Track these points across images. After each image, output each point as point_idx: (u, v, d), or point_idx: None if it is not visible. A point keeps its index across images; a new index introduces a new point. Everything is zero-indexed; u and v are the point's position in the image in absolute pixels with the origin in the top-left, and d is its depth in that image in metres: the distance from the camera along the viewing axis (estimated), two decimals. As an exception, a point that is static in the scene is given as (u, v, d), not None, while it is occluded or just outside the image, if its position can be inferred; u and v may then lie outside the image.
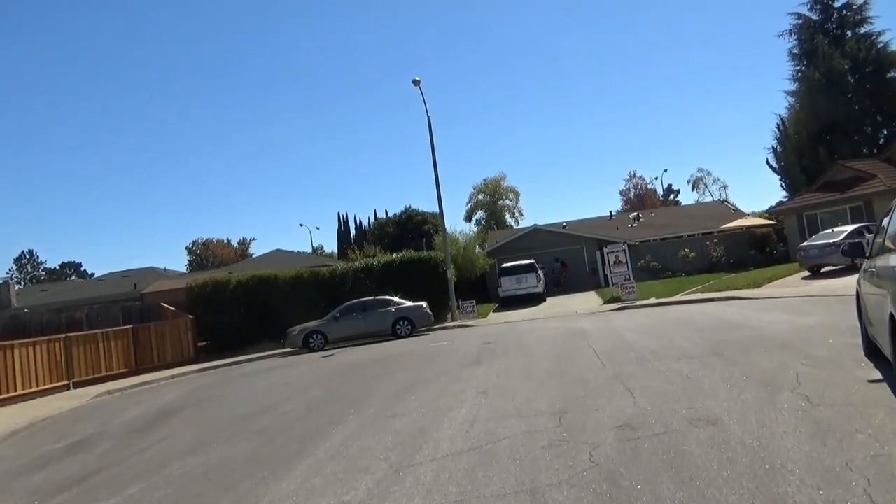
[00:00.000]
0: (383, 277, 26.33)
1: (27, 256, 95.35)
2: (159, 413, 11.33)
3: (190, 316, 23.23)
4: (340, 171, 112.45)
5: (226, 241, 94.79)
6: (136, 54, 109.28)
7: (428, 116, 27.16)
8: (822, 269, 22.64)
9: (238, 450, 7.17)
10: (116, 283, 44.78)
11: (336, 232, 70.10)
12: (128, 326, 21.23)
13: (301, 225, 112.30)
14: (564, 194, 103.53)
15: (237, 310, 24.34)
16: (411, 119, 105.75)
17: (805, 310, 13.36)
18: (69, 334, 19.00)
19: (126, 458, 7.72)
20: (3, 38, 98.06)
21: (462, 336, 18.74)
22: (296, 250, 76.27)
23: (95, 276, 71.10)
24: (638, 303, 22.74)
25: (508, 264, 30.39)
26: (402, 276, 26.23)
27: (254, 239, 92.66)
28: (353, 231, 68.28)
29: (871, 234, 20.75)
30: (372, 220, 54.87)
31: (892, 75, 38.52)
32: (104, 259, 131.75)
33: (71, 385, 18.32)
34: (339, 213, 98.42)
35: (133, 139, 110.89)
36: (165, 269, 46.79)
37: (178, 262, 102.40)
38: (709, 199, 62.41)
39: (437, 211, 29.07)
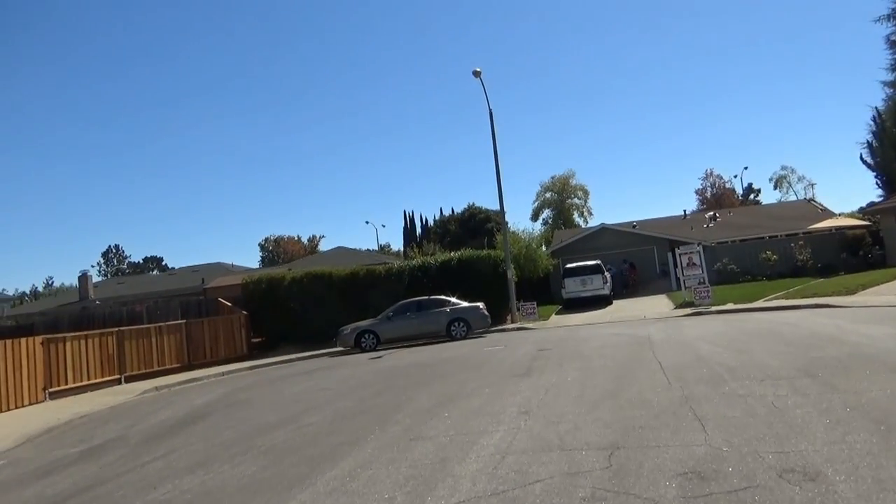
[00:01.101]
0: (441, 276, 25.36)
1: (113, 251, 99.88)
2: (185, 418, 10.72)
3: (244, 312, 22.94)
4: (407, 169, 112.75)
5: (296, 238, 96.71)
6: (217, 55, 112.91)
7: (490, 109, 26.04)
8: (929, 276, 20.18)
9: (238, 471, 6.30)
10: (186, 277, 45.79)
11: (402, 230, 70.02)
12: (181, 321, 21.07)
13: (367, 222, 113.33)
14: (636, 193, 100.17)
15: (291, 307, 23.91)
16: (477, 114, 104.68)
17: (914, 323, 11.51)
18: (121, 328, 18.95)
19: (125, 473, 7.00)
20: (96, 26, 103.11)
21: (518, 340, 17.53)
22: (360, 248, 76.79)
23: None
24: (713, 308, 20.89)
25: (573, 265, 28.87)
26: (461, 276, 25.19)
27: (323, 236, 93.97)
28: (418, 229, 67.95)
29: None
30: (437, 217, 53.99)
31: None
32: (184, 254, 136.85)
33: (122, 379, 18.22)
34: (404, 211, 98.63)
35: (213, 140, 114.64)
36: (232, 265, 47.50)
37: (252, 259, 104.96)
38: (793, 198, 58.52)
39: (504, 209, 27.92)
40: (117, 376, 18.13)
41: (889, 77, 37.58)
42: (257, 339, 23.94)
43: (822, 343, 10.00)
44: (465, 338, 20.62)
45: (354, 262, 32.79)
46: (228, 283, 33.60)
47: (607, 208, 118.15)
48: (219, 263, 47.82)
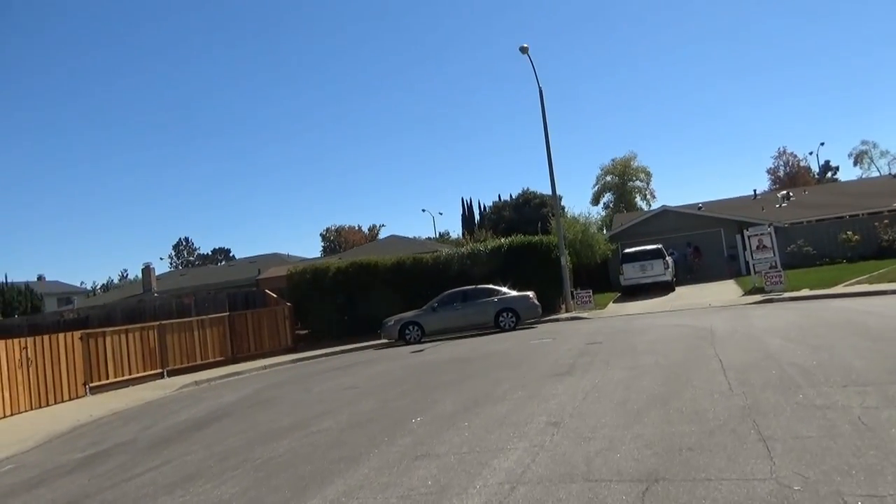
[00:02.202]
0: (491, 264, 24.27)
1: (184, 243, 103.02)
2: (202, 419, 10.15)
3: (288, 304, 22.54)
4: (465, 156, 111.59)
5: (357, 228, 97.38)
6: (273, 44, 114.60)
7: (539, 87, 24.69)
8: None
9: (218, 493, 5.53)
10: (244, 268, 46.25)
11: (460, 217, 69.12)
12: (224, 314, 20.82)
13: (423, 210, 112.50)
14: (702, 175, 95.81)
15: (336, 298, 23.38)
16: (532, 96, 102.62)
17: None
18: (163, 322, 18.79)
19: (108, 488, 6.38)
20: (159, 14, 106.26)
21: (569, 332, 16.36)
22: (419, 236, 76.31)
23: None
24: (786, 295, 19.09)
25: (631, 249, 27.24)
26: (512, 263, 24.04)
27: (383, 225, 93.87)
28: (476, 216, 66.91)
29: None
30: (492, 204, 52.82)
31: None
32: (251, 245, 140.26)
33: (165, 373, 18.07)
34: (462, 199, 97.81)
35: (279, 133, 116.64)
36: (288, 255, 47.64)
37: (314, 249, 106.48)
38: (875, 174, 54.42)
39: (556, 192, 26.54)
40: (159, 370, 17.99)
41: None
42: (303, 332, 23.56)
43: (919, 337, 8.51)
44: (513, 329, 19.57)
45: (408, 251, 32.06)
46: (280, 273, 33.46)
47: (671, 191, 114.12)
48: (275, 254, 48.09)
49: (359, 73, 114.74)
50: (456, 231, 76.62)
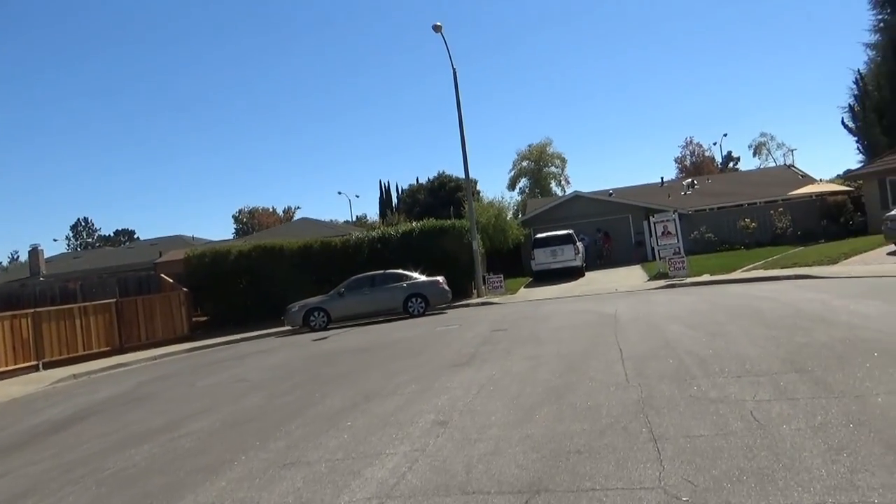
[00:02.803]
0: (402, 249, 23.73)
1: (83, 224, 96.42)
2: (64, 420, 9.09)
3: (185, 289, 21.15)
4: (384, 139, 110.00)
5: (271, 210, 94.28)
6: (192, 28, 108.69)
7: (453, 68, 24.18)
8: (914, 244, 18.95)
9: (44, 516, 4.72)
10: (144, 251, 43.65)
11: (378, 200, 67.98)
12: (110, 300, 19.27)
13: (339, 193, 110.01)
14: (615, 162, 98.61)
15: (239, 283, 22.19)
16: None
17: (909, 297, 10.15)
18: (38, 309, 17.13)
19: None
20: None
21: (476, 318, 16.06)
22: (337, 219, 74.58)
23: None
24: (688, 280, 19.57)
25: (543, 235, 27.34)
26: (424, 248, 23.59)
27: (298, 207, 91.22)
28: (395, 199, 65.98)
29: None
30: (406, 187, 52.08)
31: None
32: (158, 227, 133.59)
33: (41, 366, 16.48)
34: (380, 181, 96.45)
35: (191, 112, 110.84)
36: (193, 237, 45.32)
37: (226, 231, 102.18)
38: (772, 165, 57.45)
39: (472, 176, 26.30)
40: (34, 363, 16.38)
41: (872, 38, 36.35)
42: (202, 319, 22.26)
43: (809, 324, 8.58)
44: (423, 314, 19.13)
45: (320, 234, 30.93)
46: (181, 257, 31.66)
47: (586, 177, 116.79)
48: (179, 236, 45.67)
49: (275, 54, 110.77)
50: (374, 214, 75.62)
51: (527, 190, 63.48)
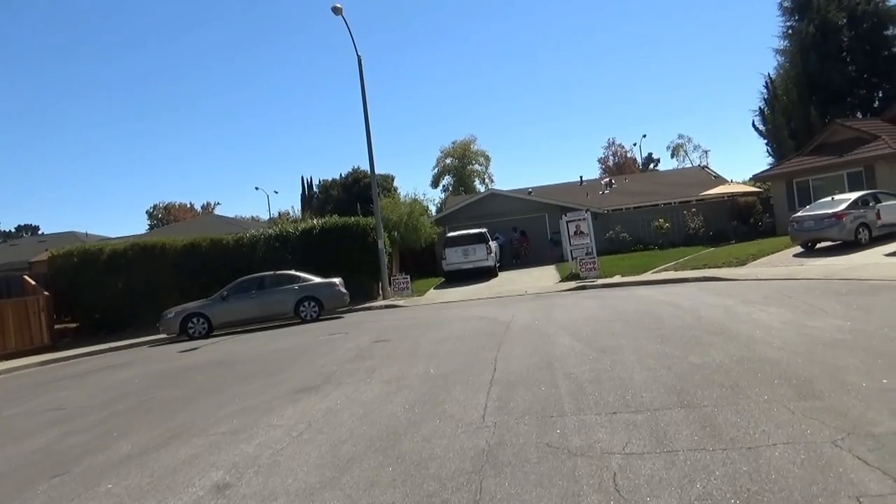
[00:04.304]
0: (303, 248, 22.02)
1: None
2: None
3: (45, 293, 18.71)
4: (305, 133, 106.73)
5: (188, 206, 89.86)
6: (100, 21, 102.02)
7: (358, 55, 22.59)
8: (818, 246, 18.82)
9: None
10: (30, 248, 39.96)
11: (300, 196, 65.48)
12: (-52, 306, 16.75)
13: (257, 188, 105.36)
14: (540, 162, 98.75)
15: (114, 286, 19.89)
16: (373, 74, 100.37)
17: (813, 304, 9.39)
18: None
19: None
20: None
21: (369, 324, 14.62)
22: (259, 216, 71.37)
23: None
24: (599, 282, 18.77)
25: (455, 233, 26.11)
26: (327, 247, 21.97)
27: (218, 203, 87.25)
28: (316, 195, 63.64)
29: (881, 204, 17.04)
30: (324, 182, 49.91)
31: (891, 32, 34.56)
32: (64, 223, 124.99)
33: None
34: (302, 177, 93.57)
35: (105, 105, 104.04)
36: (87, 234, 41.80)
37: (140, 227, 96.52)
38: (689, 166, 58.55)
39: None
40: None
41: (781, 45, 37.10)
42: (71, 326, 19.86)
43: (708, 337, 7.59)
44: (316, 319, 17.53)
45: (226, 231, 28.68)
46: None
47: (511, 176, 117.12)
48: (71, 232, 42.00)
49: (204, 44, 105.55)
50: (298, 211, 72.88)
51: (450, 188, 62.43)
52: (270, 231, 22.73)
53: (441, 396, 6.17)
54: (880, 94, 34.58)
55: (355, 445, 4.89)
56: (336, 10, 20.46)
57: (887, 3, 34.09)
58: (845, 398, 4.68)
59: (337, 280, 18.38)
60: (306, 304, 17.66)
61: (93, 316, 19.96)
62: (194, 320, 17.15)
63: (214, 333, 17.37)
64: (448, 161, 64.07)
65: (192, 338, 16.93)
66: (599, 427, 4.60)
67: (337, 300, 18.11)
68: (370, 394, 6.72)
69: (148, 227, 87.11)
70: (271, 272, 18.49)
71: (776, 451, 3.79)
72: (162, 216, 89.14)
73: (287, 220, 52.01)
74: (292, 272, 18.44)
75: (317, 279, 18.21)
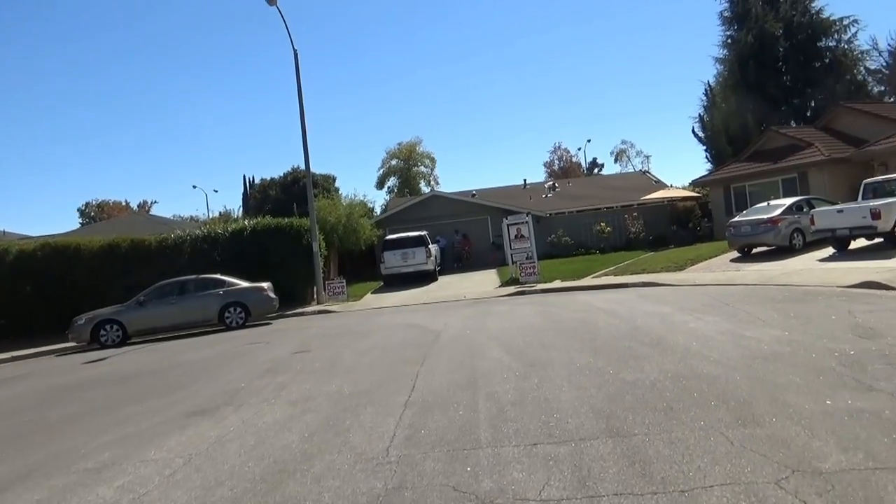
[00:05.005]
0: (233, 250, 20.85)
1: None
2: None
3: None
4: (245, 131, 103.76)
5: (124, 203, 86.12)
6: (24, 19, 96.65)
7: (294, 49, 21.61)
8: (754, 251, 18.90)
9: None
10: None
11: (242, 196, 63.46)
12: None
13: (194, 187, 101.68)
14: (487, 165, 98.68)
15: (21, 289, 18.35)
16: (322, 71, 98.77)
17: (750, 312, 9.08)
18: None
19: None
20: None
21: (295, 332, 13.77)
22: (190, 215, 68.82)
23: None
24: (538, 287, 18.36)
25: (393, 236, 25.36)
26: (258, 249, 20.88)
27: (155, 202, 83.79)
28: (254, 195, 61.77)
29: (815, 210, 17.17)
30: (262, 182, 48.30)
31: (825, 44, 35.66)
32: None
33: None
34: (244, 176, 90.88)
35: (24, 94, 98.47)
36: (3, 232, 39.14)
37: (70, 226, 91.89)
38: (631, 171, 59.38)
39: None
40: None
41: (720, 53, 37.85)
42: (-29, 333, 18.25)
43: (643, 349, 7.11)
44: (242, 326, 16.52)
45: (156, 230, 27.07)
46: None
47: (456, 179, 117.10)
48: (-13, 231, 39.28)
49: (141, 39, 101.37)
50: (239, 210, 70.69)
51: (395, 189, 61.62)
52: (197, 232, 21.49)
53: (347, 422, 5.46)
54: (813, 104, 35.59)
55: (233, 489, 4.14)
56: (270, 1, 19.47)
57: (821, 14, 35.16)
58: (788, 424, 4.20)
59: (265, 285, 17.40)
60: (232, 310, 16.63)
61: (-3, 322, 18.40)
62: (107, 327, 15.90)
63: (131, 341, 16.17)
64: (393, 162, 63.32)
65: (104, 346, 15.69)
66: (516, 463, 3.98)
67: (265, 306, 17.13)
68: (270, 418, 5.95)
69: (80, 225, 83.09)
70: (194, 276, 17.35)
71: (713, 494, 3.25)
72: (95, 214, 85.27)
73: (227, 220, 50.23)
74: (217, 276, 17.36)
75: (244, 283, 17.19)
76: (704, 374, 5.71)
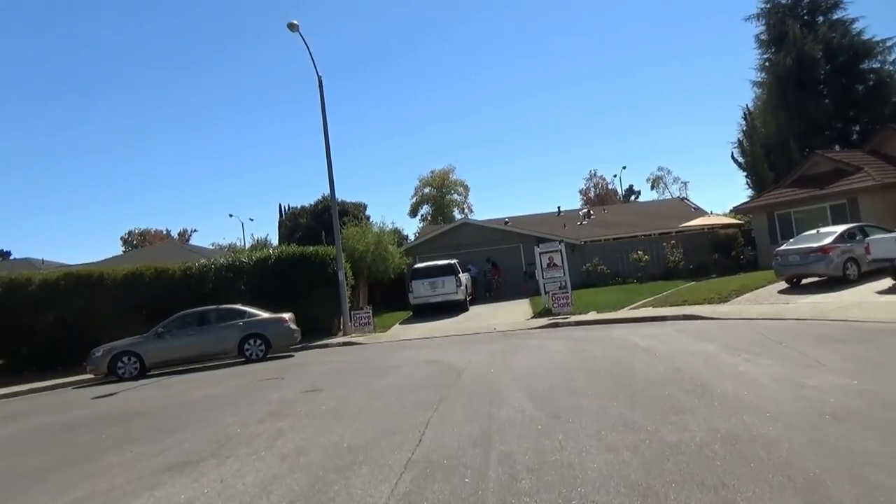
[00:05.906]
0: (258, 279, 20.43)
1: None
2: None
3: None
4: (280, 160, 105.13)
5: (165, 232, 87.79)
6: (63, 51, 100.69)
7: (318, 75, 21.38)
8: (804, 281, 17.66)
9: None
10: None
11: (277, 224, 63.99)
12: None
13: (231, 216, 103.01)
14: (521, 193, 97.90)
15: (44, 319, 18.13)
16: (349, 103, 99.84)
17: (807, 353, 8.05)
18: None
19: None
20: None
21: (314, 366, 13.10)
22: (227, 242, 69.42)
23: None
24: (572, 318, 17.40)
25: (422, 265, 24.66)
26: (283, 278, 20.43)
27: (195, 230, 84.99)
28: (285, 223, 62.09)
29: (871, 237, 15.90)
30: (292, 210, 48.30)
31: (868, 66, 34.12)
32: (34, 249, 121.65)
33: None
34: (280, 205, 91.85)
35: (81, 132, 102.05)
36: (43, 261, 39.77)
37: (113, 253, 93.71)
38: (668, 198, 57.92)
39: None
40: None
41: (759, 77, 36.65)
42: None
43: (685, 400, 6.19)
44: (263, 359, 15.94)
45: (186, 259, 26.95)
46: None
47: (490, 207, 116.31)
48: (26, 259, 39.96)
49: (178, 73, 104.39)
50: (275, 239, 71.13)
51: (429, 217, 61.24)
52: (222, 260, 21.13)
53: (335, 487, 4.68)
54: (857, 128, 34.03)
55: (178, 581, 3.39)
56: (291, 27, 19.25)
57: (862, 37, 33.75)
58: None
59: (287, 315, 16.82)
60: (251, 341, 16.06)
61: (20, 352, 18.18)
62: (124, 359, 15.47)
63: (150, 374, 15.71)
64: (426, 190, 63.10)
65: (121, 379, 15.24)
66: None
67: (286, 338, 16.53)
68: (252, 477, 5.20)
69: (121, 252, 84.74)
70: (214, 306, 16.87)
71: None
72: (137, 242, 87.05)
73: (260, 248, 50.27)
74: (238, 306, 16.86)
75: (264, 314, 16.64)
76: (761, 435, 4.78)
